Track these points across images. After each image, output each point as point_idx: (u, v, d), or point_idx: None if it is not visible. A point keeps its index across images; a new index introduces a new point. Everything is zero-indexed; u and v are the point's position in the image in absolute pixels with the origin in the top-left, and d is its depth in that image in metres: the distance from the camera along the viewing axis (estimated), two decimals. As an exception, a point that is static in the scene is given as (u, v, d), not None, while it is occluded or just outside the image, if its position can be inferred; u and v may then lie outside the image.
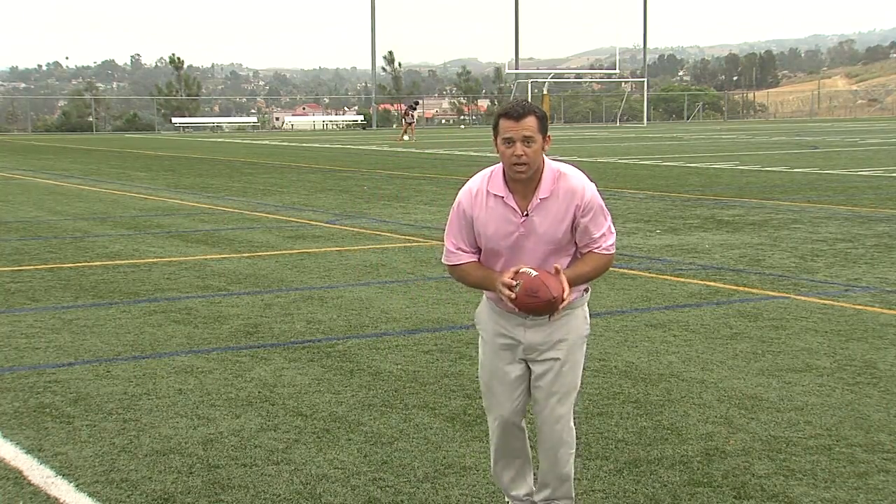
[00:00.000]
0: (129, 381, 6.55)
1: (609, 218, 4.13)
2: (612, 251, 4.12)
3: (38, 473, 4.96)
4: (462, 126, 77.66)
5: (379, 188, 21.25)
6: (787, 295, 9.23)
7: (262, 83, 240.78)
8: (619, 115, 78.34)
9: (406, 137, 46.53)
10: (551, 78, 75.27)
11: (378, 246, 12.65)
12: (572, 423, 4.28)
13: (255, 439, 5.44)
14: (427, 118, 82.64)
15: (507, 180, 4.05)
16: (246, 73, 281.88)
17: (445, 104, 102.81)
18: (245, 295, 9.46)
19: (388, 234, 13.75)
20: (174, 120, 70.58)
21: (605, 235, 4.09)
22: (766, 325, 8.03)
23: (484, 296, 4.29)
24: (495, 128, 4.01)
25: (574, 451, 4.32)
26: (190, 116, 73.75)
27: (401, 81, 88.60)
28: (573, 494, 4.39)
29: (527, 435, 4.37)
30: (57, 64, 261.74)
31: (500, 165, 4.08)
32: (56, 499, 4.66)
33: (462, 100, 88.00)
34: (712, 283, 9.86)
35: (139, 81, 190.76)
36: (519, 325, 4.14)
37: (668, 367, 6.81)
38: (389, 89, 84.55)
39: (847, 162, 27.44)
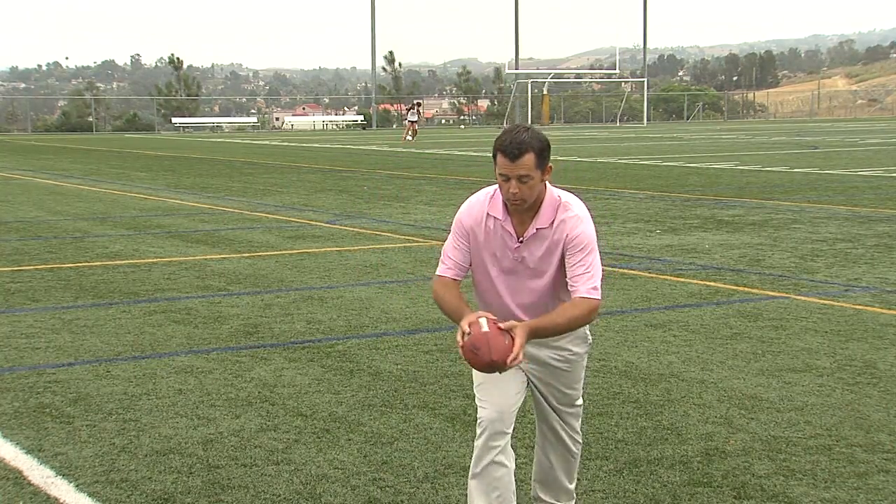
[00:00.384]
0: (129, 381, 6.55)
1: (597, 256, 3.93)
2: (596, 296, 3.86)
3: (38, 473, 4.96)
4: (462, 126, 77.66)
5: (379, 188, 21.25)
6: (787, 295, 9.23)
7: (262, 83, 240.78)
8: (619, 116, 78.35)
9: (409, 137, 46.54)
10: (551, 78, 75.37)
11: (378, 246, 12.65)
12: (579, 438, 4.30)
13: (255, 439, 5.43)
14: (427, 118, 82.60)
15: (507, 205, 3.98)
16: (246, 73, 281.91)
17: (445, 104, 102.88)
18: (245, 295, 9.46)
19: (388, 235, 13.75)
20: (174, 120, 70.57)
21: (589, 275, 3.87)
22: (766, 325, 8.03)
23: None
24: (494, 157, 3.89)
25: (577, 461, 4.34)
26: (190, 116, 73.75)
27: (401, 81, 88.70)
28: (574, 495, 4.41)
29: (512, 471, 3.97)
30: (57, 64, 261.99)
31: None
32: (56, 499, 4.66)
33: (462, 100, 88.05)
34: (712, 283, 9.86)
35: (139, 81, 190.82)
36: None
37: (668, 367, 6.81)
38: (389, 89, 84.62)
39: (847, 162, 27.44)
